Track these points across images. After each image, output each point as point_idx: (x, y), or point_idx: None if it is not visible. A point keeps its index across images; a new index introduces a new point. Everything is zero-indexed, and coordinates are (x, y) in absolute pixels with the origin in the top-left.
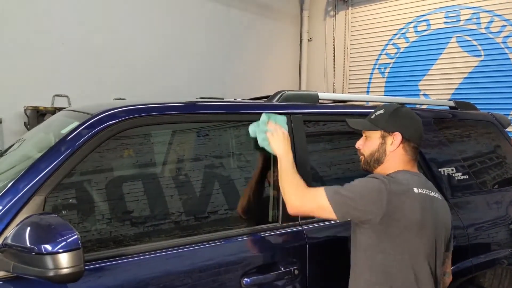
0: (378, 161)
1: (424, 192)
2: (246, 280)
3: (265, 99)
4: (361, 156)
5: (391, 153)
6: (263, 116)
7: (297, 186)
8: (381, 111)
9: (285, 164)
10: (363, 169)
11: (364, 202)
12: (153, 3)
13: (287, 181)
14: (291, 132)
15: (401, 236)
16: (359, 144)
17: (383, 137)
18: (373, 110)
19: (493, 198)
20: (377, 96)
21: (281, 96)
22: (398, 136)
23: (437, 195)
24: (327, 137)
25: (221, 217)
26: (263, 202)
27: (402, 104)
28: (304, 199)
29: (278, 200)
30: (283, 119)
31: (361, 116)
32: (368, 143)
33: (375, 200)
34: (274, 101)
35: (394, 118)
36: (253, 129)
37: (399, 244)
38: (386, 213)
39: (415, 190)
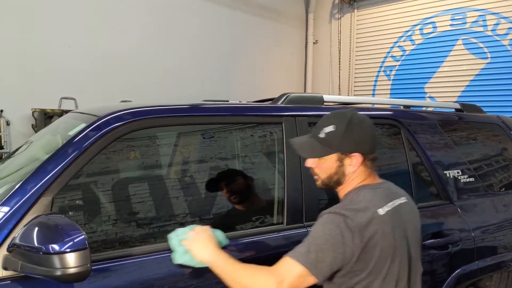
0: (338, 183)
1: (389, 209)
2: None
3: (270, 101)
4: (316, 177)
5: (351, 173)
6: (185, 229)
7: (255, 274)
8: (331, 128)
9: (222, 268)
10: (321, 188)
11: (337, 248)
12: (158, 6)
13: (239, 280)
14: (296, 135)
15: (378, 266)
16: (310, 163)
17: (340, 160)
18: (318, 122)
19: (500, 201)
20: (383, 99)
21: (286, 98)
22: (357, 157)
23: (401, 199)
24: None
25: (226, 219)
26: (268, 203)
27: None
28: (278, 279)
29: (283, 202)
30: (220, 234)
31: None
32: (322, 165)
33: (347, 242)
34: (279, 104)
35: (348, 135)
36: (172, 241)
37: (378, 275)
38: (361, 250)
39: (380, 211)
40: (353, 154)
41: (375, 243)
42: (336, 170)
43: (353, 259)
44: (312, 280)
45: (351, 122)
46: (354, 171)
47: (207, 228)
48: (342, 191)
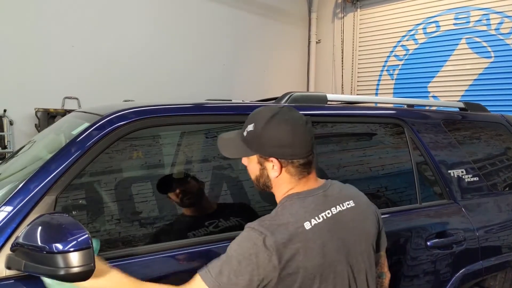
0: (267, 187)
1: (320, 221)
2: None
3: (274, 101)
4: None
5: (275, 178)
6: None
7: None
8: (251, 127)
9: (117, 285)
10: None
11: (251, 271)
12: (161, 7)
13: None
14: None
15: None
16: (243, 161)
17: (260, 163)
18: (247, 118)
19: (504, 200)
20: (386, 98)
21: (289, 97)
22: (276, 163)
23: (345, 204)
24: (336, 138)
25: (229, 218)
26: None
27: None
28: None
29: None
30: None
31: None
32: (249, 166)
33: (262, 264)
34: (282, 103)
35: (266, 136)
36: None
37: None
38: (280, 271)
39: (307, 225)
40: (270, 158)
41: (297, 264)
42: (260, 173)
43: (272, 281)
44: None
45: (271, 122)
46: (277, 177)
47: None
48: (276, 196)
